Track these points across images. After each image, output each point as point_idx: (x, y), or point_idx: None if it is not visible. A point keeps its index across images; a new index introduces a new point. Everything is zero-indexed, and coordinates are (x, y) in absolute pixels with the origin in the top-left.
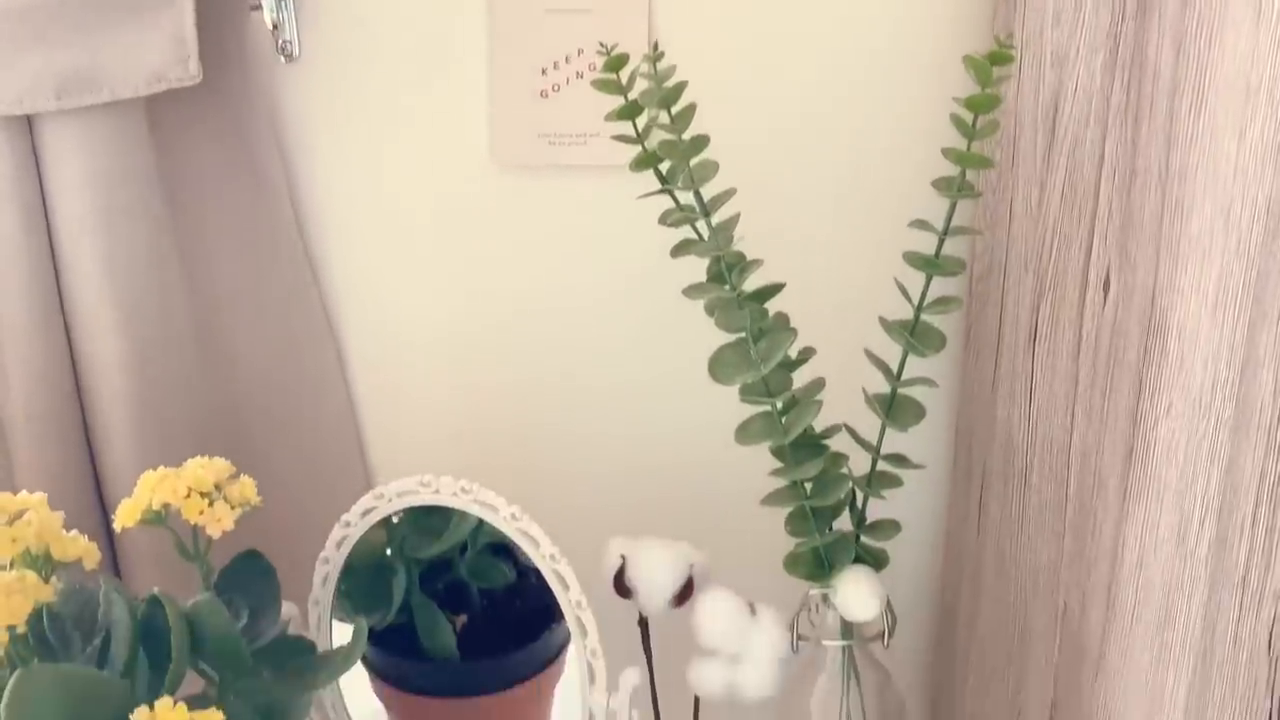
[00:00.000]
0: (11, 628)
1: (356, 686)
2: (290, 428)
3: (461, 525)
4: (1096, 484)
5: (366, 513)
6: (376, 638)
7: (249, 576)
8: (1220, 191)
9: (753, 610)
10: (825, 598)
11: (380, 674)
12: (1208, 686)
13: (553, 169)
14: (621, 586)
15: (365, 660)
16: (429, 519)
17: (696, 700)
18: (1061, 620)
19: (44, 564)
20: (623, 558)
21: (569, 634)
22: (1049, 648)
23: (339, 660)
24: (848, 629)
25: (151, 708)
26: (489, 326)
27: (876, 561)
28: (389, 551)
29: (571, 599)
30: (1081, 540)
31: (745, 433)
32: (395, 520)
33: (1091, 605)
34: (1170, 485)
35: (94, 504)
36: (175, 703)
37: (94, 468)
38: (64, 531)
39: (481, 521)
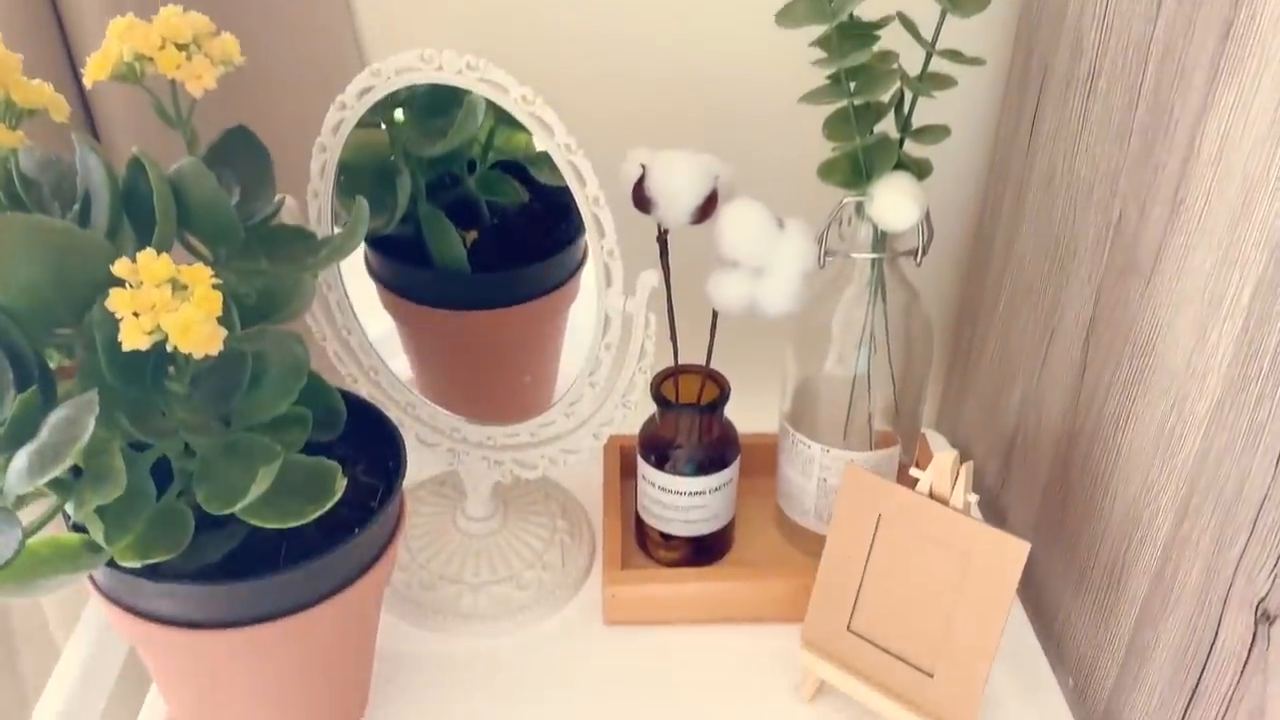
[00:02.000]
0: None
1: (366, 308)
2: (278, 17)
3: (467, 122)
4: (1178, 75)
5: (364, 93)
6: (385, 248)
7: (239, 152)
8: None
9: (780, 222)
10: (860, 207)
11: (390, 287)
12: None
13: None
14: (641, 198)
15: (374, 274)
16: (433, 119)
17: (714, 315)
18: (1114, 231)
19: (6, 112)
20: (643, 168)
21: (584, 254)
22: (1093, 264)
23: (340, 240)
24: (880, 242)
25: (133, 259)
26: None
27: (919, 170)
28: (392, 158)
29: (588, 194)
30: (1150, 141)
31: (787, 15)
32: (399, 120)
33: (1152, 211)
34: (1275, 55)
35: (67, 74)
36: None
37: (66, 46)
38: (25, 78)
39: (491, 133)
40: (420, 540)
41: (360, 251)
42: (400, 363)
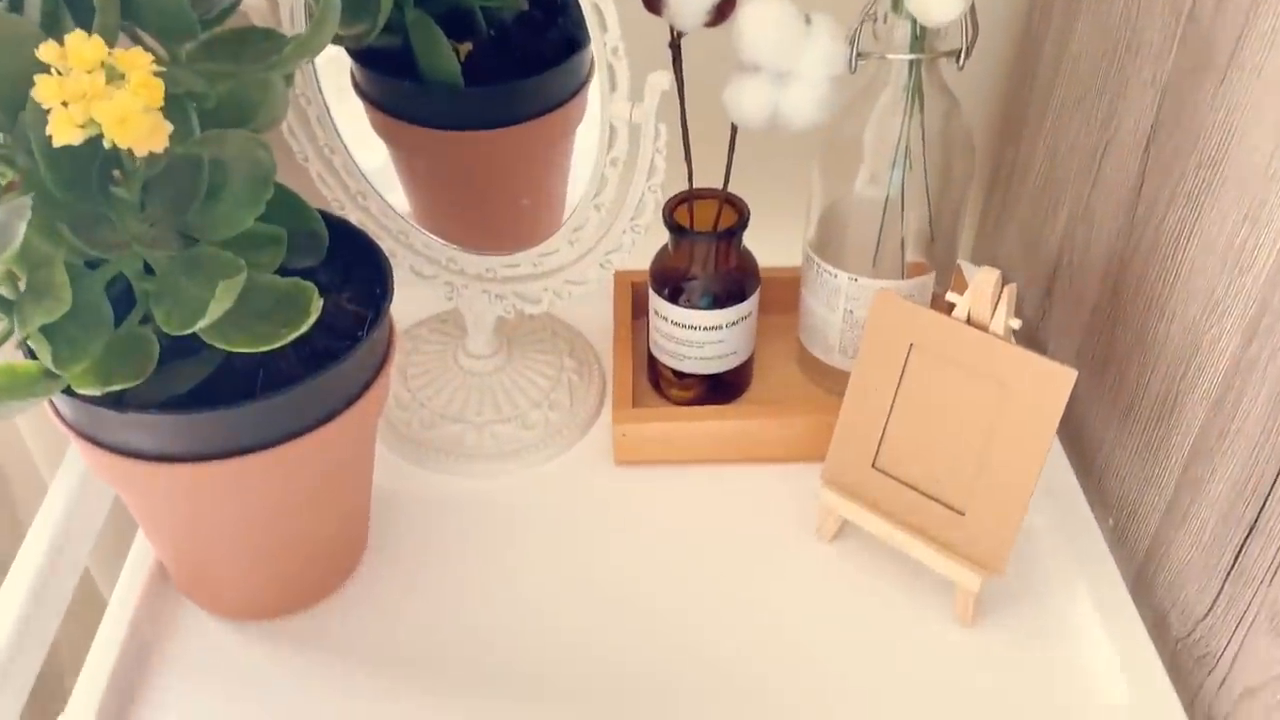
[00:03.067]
0: None
1: (358, 136)
2: None
3: None
4: None
5: None
6: (372, 63)
7: None
8: None
9: (807, 19)
10: (897, 0)
11: (379, 106)
12: None
13: None
14: None
15: (362, 92)
16: None
17: (733, 131)
18: (1185, 22)
19: None
20: None
21: (590, 69)
22: (1158, 63)
23: (307, 35)
24: (918, 41)
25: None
26: None
27: None
28: None
29: None
30: None
31: None
32: None
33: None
34: None
35: None
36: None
37: None
38: None
39: None
40: (421, 379)
41: (347, 69)
42: (397, 196)
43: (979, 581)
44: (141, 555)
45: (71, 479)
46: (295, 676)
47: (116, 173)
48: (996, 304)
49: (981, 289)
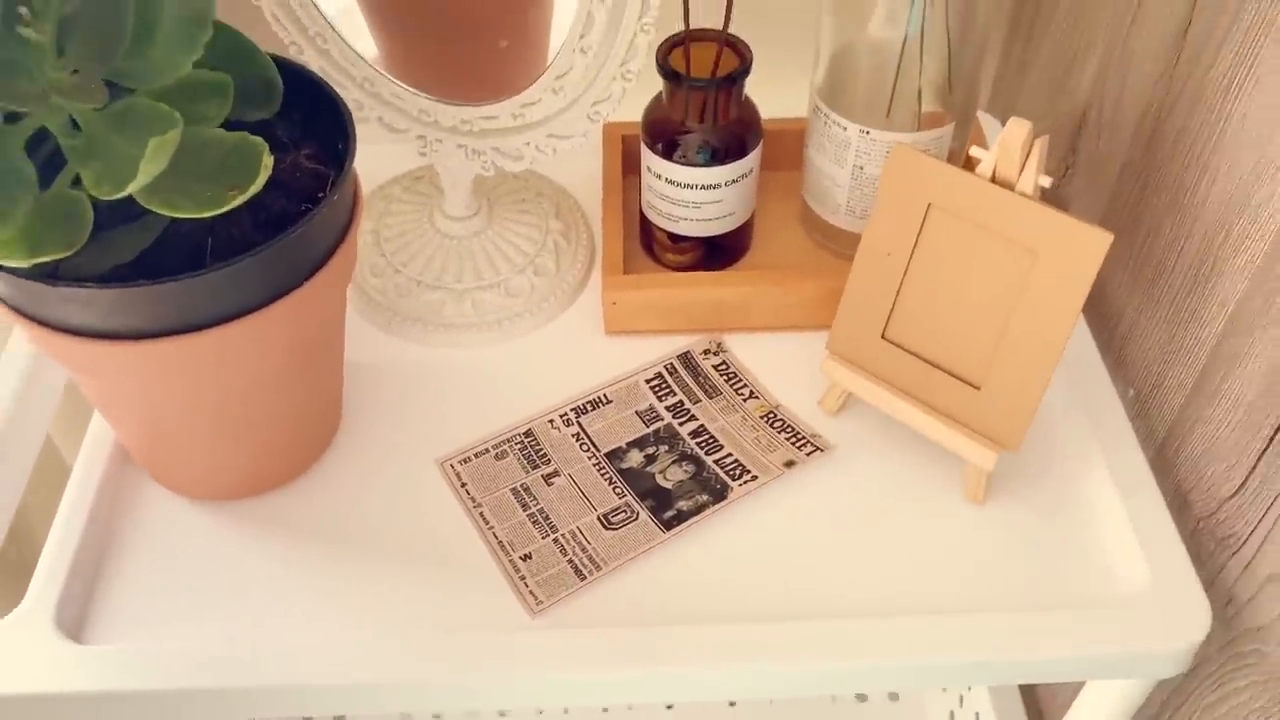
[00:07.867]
0: None
1: None
2: None
3: None
4: None
5: None
6: None
7: None
8: None
9: None
10: None
11: None
12: None
13: None
14: None
15: None
16: None
17: None
18: None
19: None
20: None
21: None
22: None
23: None
24: None
25: None
26: None
27: None
28: None
29: None
30: None
31: None
32: None
33: None
34: None
35: None
36: None
37: None
38: None
39: None
40: (395, 242)
41: None
42: (364, 43)
43: (993, 458)
44: (101, 429)
45: (19, 363)
46: (264, 558)
47: (23, 10)
48: (1026, 160)
49: (1010, 143)
